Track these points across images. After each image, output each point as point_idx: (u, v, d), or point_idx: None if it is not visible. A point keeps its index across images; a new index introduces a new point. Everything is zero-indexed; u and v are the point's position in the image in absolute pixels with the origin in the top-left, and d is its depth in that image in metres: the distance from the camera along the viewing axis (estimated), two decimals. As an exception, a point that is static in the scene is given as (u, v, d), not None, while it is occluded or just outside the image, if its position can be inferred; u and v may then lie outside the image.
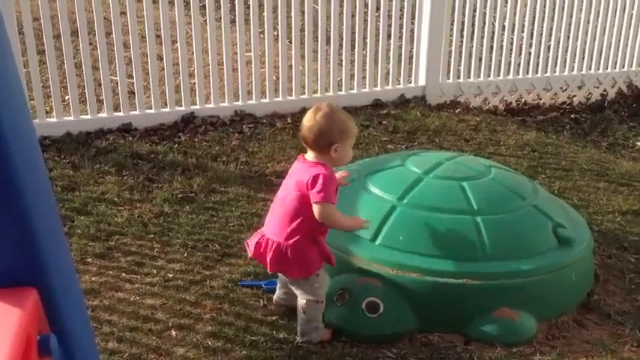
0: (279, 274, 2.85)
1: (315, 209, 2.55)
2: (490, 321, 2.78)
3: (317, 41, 5.46)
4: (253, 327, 2.80)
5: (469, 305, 2.81)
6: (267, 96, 5.34)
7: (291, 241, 2.60)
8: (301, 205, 2.59)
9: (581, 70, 6.43)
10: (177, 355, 2.63)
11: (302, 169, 2.65)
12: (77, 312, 1.58)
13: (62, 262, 1.47)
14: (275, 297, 2.94)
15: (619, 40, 6.52)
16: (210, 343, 2.70)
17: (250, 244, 2.74)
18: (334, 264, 2.74)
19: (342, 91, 5.62)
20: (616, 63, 6.58)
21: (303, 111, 5.33)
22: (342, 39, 5.52)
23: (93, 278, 3.14)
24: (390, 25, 5.67)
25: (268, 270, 2.72)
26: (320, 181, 2.54)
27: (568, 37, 6.26)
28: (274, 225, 2.67)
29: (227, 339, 2.72)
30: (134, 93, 5.01)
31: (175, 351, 2.65)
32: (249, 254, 2.76)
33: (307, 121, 2.64)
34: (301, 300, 2.69)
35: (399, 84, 5.84)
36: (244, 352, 2.64)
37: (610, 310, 3.06)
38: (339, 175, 2.84)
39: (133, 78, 4.95)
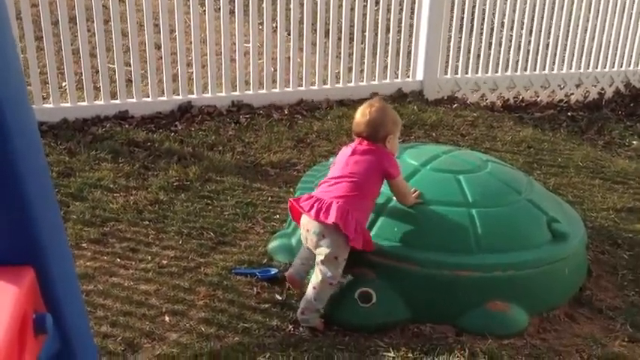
0: (304, 252, 2.90)
1: (396, 182, 2.86)
2: (482, 313, 2.79)
3: (315, 34, 5.46)
4: (246, 314, 2.81)
5: (461, 297, 2.82)
6: (265, 87, 5.34)
7: (354, 207, 2.71)
8: (367, 183, 2.79)
9: (580, 69, 6.45)
10: (170, 340, 2.63)
11: (369, 151, 2.82)
12: (72, 293, 1.59)
13: (58, 242, 1.47)
14: (291, 271, 2.93)
15: (618, 39, 6.53)
16: (203, 329, 2.70)
17: (302, 199, 2.80)
18: (372, 248, 2.80)
19: (339, 83, 5.62)
20: (614, 62, 6.60)
21: (300, 102, 5.36)
22: (341, 32, 5.52)
23: (88, 263, 3.14)
24: (389, 19, 5.68)
25: (335, 220, 2.66)
26: (390, 158, 2.86)
27: (567, 35, 6.27)
28: (337, 192, 2.75)
29: (220, 325, 2.73)
30: (131, 81, 5.00)
31: (168, 336, 2.66)
32: (305, 209, 2.75)
33: (362, 116, 2.85)
34: (318, 277, 2.72)
35: (397, 78, 5.85)
36: (237, 339, 2.65)
37: (602, 305, 3.08)
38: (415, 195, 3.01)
39: (130, 66, 4.95)
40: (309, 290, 2.75)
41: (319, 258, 2.73)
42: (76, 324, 1.61)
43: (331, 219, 2.66)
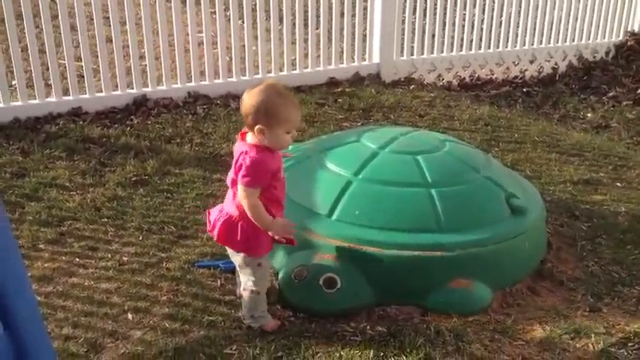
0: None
1: (239, 192, 2.45)
2: (446, 291, 2.81)
3: (269, 20, 5.41)
4: (211, 307, 2.78)
5: (425, 277, 2.83)
6: (221, 76, 5.28)
7: (242, 215, 2.50)
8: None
9: (533, 45, 6.53)
10: (134, 338, 2.59)
11: (238, 148, 2.52)
12: (23, 298, 1.55)
13: (4, 247, 1.43)
14: (238, 292, 2.84)
15: (569, 14, 6.63)
16: (167, 324, 2.67)
17: (211, 212, 2.65)
18: (295, 243, 2.67)
19: (296, 70, 5.59)
20: (566, 37, 6.70)
21: (258, 91, 5.31)
22: (295, 17, 5.48)
23: (46, 264, 3.07)
24: (342, 3, 5.65)
25: (217, 241, 2.62)
26: (246, 163, 2.41)
27: (519, 11, 6.34)
28: (228, 200, 2.60)
29: (185, 320, 2.70)
30: (83, 76, 4.89)
31: (132, 334, 2.61)
32: (209, 227, 2.64)
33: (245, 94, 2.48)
34: (242, 288, 2.65)
35: (354, 62, 5.84)
36: (202, 333, 2.62)
37: (562, 277, 3.13)
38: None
39: (81, 61, 4.84)
40: (243, 300, 2.67)
41: (237, 269, 2.65)
42: (29, 329, 1.57)
43: (218, 238, 2.57)
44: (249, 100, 2.41)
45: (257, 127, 2.40)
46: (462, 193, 3.05)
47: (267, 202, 2.52)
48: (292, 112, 2.44)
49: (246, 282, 2.62)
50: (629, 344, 2.64)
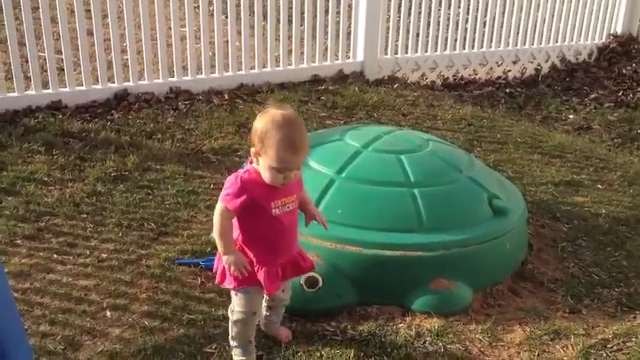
0: None
1: (217, 208, 2.27)
2: (427, 292, 2.81)
3: (253, 16, 5.37)
4: (191, 305, 2.76)
5: (407, 277, 2.83)
6: (204, 72, 5.24)
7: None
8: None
9: (516, 45, 6.56)
10: (113, 336, 2.56)
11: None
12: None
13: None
14: (265, 330, 2.64)
15: (552, 16, 6.66)
16: (146, 322, 2.64)
17: None
18: (269, 290, 2.35)
19: (279, 66, 5.56)
20: (549, 38, 6.74)
21: (240, 87, 5.29)
22: (279, 14, 5.44)
23: (23, 260, 3.02)
24: (327, 0, 5.63)
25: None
26: (230, 180, 2.26)
27: (503, 12, 6.36)
28: None
29: (164, 318, 2.67)
30: (64, 69, 4.83)
31: (111, 332, 2.58)
32: None
33: None
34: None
35: (338, 59, 5.83)
36: (182, 331, 2.60)
37: (543, 278, 3.14)
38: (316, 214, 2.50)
39: (62, 54, 4.77)
40: None
41: None
42: (6, 326, 1.54)
43: None
44: (255, 120, 2.24)
45: (252, 148, 2.24)
46: (445, 193, 3.05)
47: (242, 232, 2.33)
48: (282, 150, 2.15)
49: (231, 304, 2.45)
50: (608, 346, 2.66)
